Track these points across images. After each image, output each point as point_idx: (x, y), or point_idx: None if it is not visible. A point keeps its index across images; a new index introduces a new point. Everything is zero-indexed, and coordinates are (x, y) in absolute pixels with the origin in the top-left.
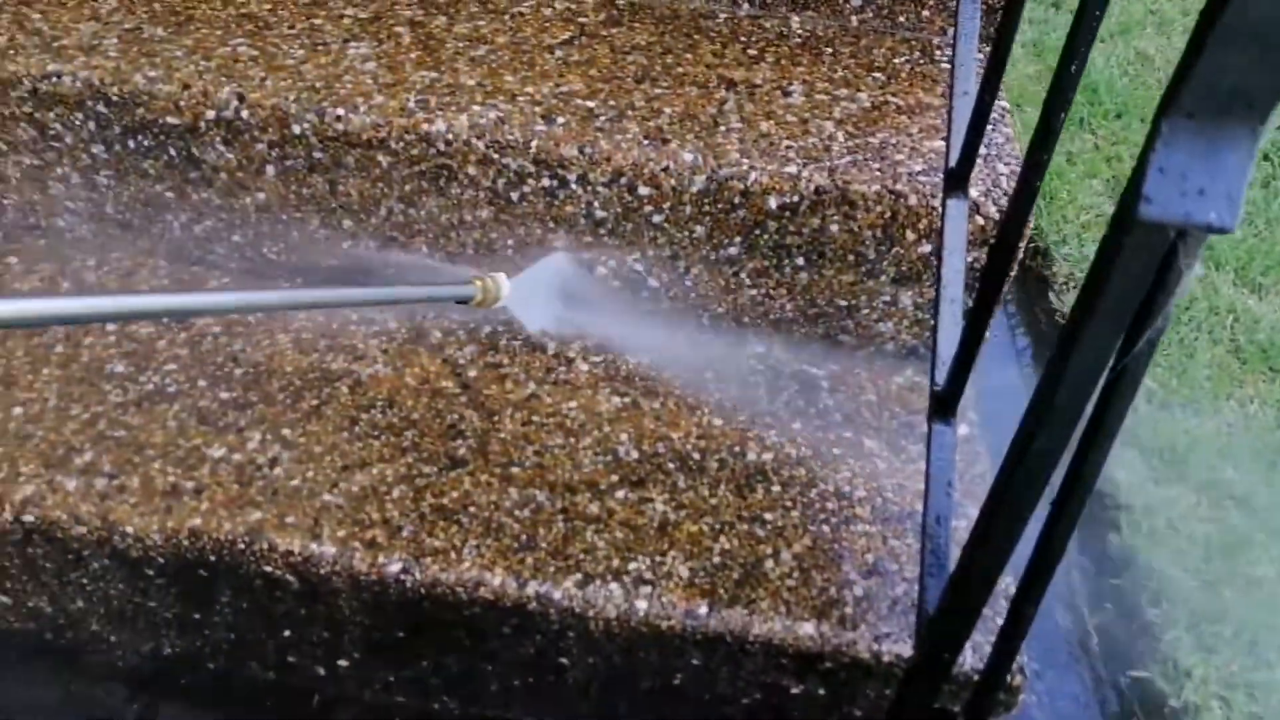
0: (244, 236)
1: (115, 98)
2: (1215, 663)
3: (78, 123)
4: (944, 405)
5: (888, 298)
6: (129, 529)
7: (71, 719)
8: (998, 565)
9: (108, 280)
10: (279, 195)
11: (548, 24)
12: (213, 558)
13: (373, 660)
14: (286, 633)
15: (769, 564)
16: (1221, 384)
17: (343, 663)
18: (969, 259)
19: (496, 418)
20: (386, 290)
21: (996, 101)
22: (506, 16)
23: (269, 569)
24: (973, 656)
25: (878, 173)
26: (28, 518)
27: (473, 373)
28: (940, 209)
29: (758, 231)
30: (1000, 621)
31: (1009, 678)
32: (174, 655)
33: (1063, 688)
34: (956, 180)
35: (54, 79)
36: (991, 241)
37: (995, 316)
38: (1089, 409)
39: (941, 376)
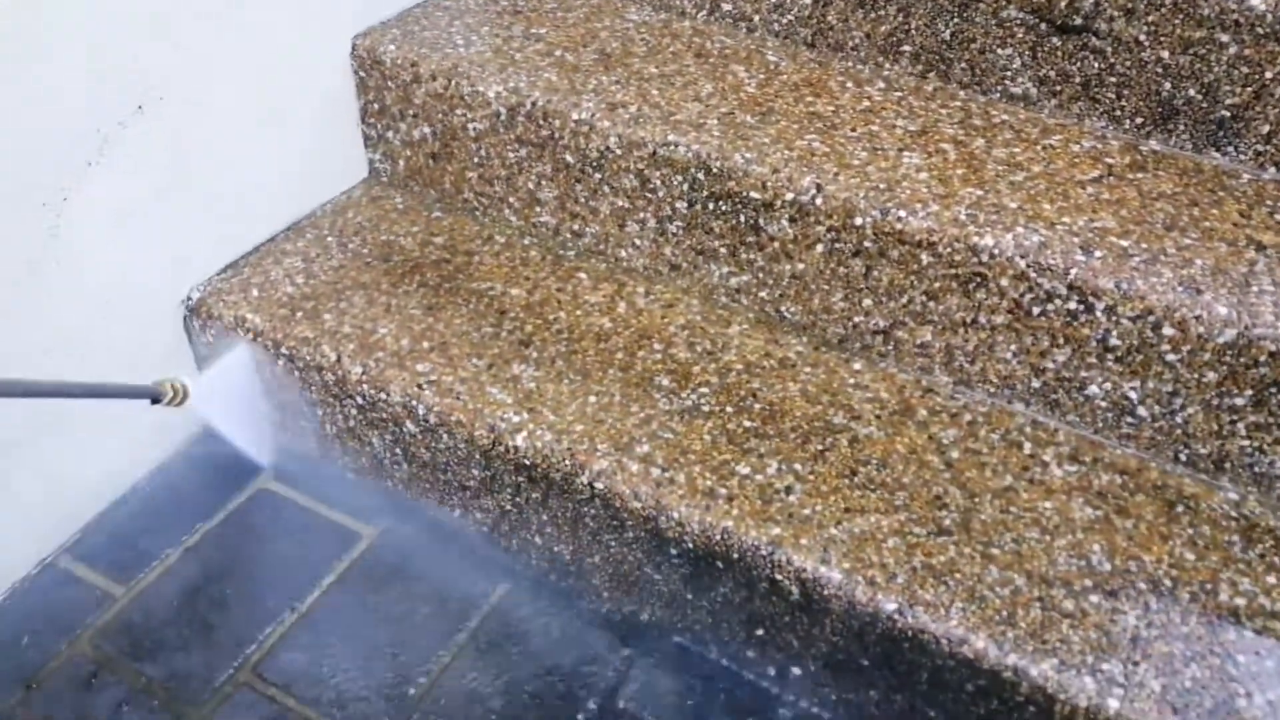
0: (769, 294)
1: (715, 169)
2: None
3: (675, 182)
4: None
5: None
6: (675, 514)
7: (568, 653)
8: None
9: (652, 308)
10: (816, 269)
11: (1076, 160)
12: (735, 555)
13: (825, 675)
14: (760, 631)
15: (1240, 703)
16: None
17: (795, 670)
18: None
19: (977, 499)
20: (81, 384)
21: None
22: (1039, 147)
23: (779, 577)
24: None
25: None
26: (599, 485)
27: (955, 454)
28: None
29: (1274, 390)
30: None
31: None
32: (649, 621)
33: None
34: None
35: (672, 146)
36: None
37: None
38: None
39: None
